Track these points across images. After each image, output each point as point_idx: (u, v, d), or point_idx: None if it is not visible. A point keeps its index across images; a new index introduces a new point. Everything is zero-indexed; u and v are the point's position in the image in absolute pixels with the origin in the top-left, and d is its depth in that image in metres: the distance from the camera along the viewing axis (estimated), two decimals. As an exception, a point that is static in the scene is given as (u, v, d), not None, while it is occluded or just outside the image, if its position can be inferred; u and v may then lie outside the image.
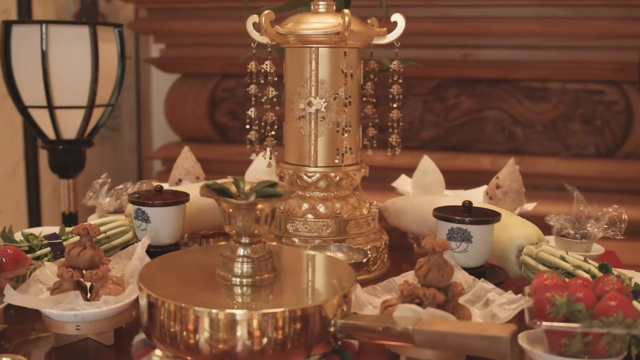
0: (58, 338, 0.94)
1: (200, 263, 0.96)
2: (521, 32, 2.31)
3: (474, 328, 0.76)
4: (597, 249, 1.23)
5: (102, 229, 1.20)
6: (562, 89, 2.36)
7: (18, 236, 1.13)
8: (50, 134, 1.61)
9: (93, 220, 1.41)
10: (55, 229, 1.21)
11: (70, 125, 1.60)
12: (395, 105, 1.23)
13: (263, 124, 1.22)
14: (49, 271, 1.03)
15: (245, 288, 0.87)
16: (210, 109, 2.68)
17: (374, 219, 1.26)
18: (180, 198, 1.15)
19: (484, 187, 1.50)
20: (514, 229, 1.08)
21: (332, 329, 0.82)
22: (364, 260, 1.10)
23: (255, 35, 1.26)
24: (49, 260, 1.10)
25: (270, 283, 0.88)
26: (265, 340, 0.80)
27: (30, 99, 1.56)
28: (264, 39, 1.25)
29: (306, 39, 1.18)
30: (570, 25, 2.25)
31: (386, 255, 1.27)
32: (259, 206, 0.85)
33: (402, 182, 1.58)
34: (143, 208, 1.12)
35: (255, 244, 0.88)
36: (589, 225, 1.19)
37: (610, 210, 1.21)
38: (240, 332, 0.79)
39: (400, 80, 1.22)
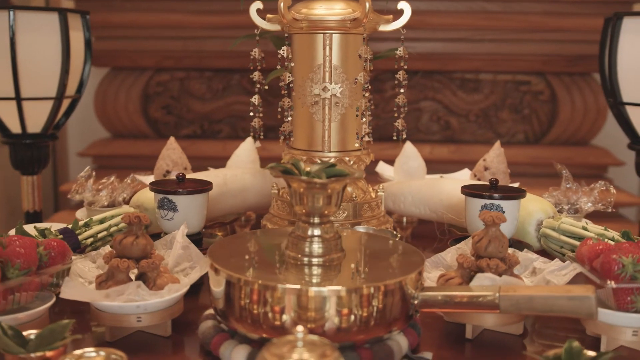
0: (113, 332, 0.90)
1: (261, 245, 0.96)
2: (455, 25, 2.42)
3: (559, 290, 0.81)
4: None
5: (113, 221, 1.15)
6: (493, 80, 2.49)
7: (30, 231, 1.07)
8: (15, 128, 1.51)
9: (82, 214, 1.35)
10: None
11: (36, 118, 1.51)
12: (402, 91, 1.26)
13: (279, 109, 1.22)
14: (81, 265, 0.99)
15: (317, 268, 0.87)
16: (143, 104, 2.59)
17: (381, 202, 1.29)
18: (205, 186, 1.13)
19: (466, 170, 1.57)
20: (531, 205, 1.15)
21: (415, 302, 0.85)
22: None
23: (259, 22, 1.25)
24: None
25: (340, 263, 0.89)
26: (352, 317, 0.81)
27: (-7, 90, 1.46)
28: (270, 26, 1.25)
29: (320, 25, 1.18)
30: (500, 20, 2.38)
31: (393, 237, 1.30)
32: (332, 185, 0.86)
33: (383, 168, 1.62)
34: (170, 197, 1.09)
35: (325, 224, 0.89)
36: (581, 200, 1.29)
37: (598, 185, 1.31)
38: (330, 309, 0.80)
39: (405, 66, 1.26)
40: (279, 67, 1.22)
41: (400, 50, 1.26)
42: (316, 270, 0.86)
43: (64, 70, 1.49)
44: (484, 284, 0.86)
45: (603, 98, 2.46)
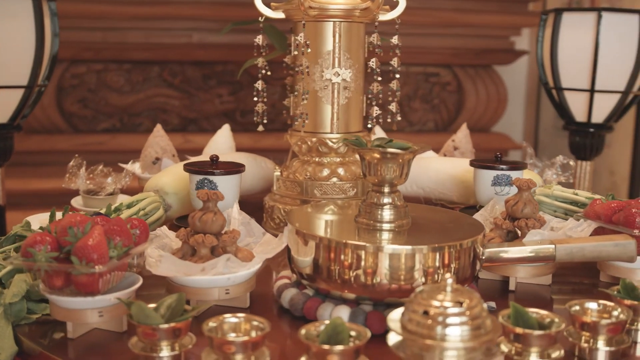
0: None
1: (329, 215, 1.02)
2: (373, 20, 2.56)
3: (604, 239, 0.95)
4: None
5: (141, 205, 1.16)
6: (406, 72, 2.66)
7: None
8: (-17, 118, 1.43)
9: (77, 203, 1.32)
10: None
11: (4, 108, 1.45)
12: (397, 76, 1.36)
13: (295, 93, 1.27)
14: (141, 246, 0.99)
15: (389, 232, 0.95)
16: (58, 97, 2.49)
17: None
18: (240, 167, 1.16)
19: (430, 152, 1.70)
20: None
21: (483, 258, 0.95)
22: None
23: (264, 10, 1.29)
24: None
25: (409, 228, 0.97)
26: (436, 274, 0.90)
27: (-37, 78, 1.38)
28: (274, 14, 1.30)
29: (329, 14, 1.25)
30: (415, 15, 2.55)
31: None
32: (404, 156, 0.94)
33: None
34: (210, 177, 1.11)
35: (394, 192, 0.97)
36: (546, 173, 1.46)
37: (558, 160, 1.49)
38: (418, 266, 0.88)
39: (399, 54, 1.36)
40: (295, 52, 1.27)
41: (395, 39, 1.36)
42: (390, 235, 0.94)
43: (37, 57, 1.44)
44: (535, 239, 0.99)
45: (504, 89, 2.72)
